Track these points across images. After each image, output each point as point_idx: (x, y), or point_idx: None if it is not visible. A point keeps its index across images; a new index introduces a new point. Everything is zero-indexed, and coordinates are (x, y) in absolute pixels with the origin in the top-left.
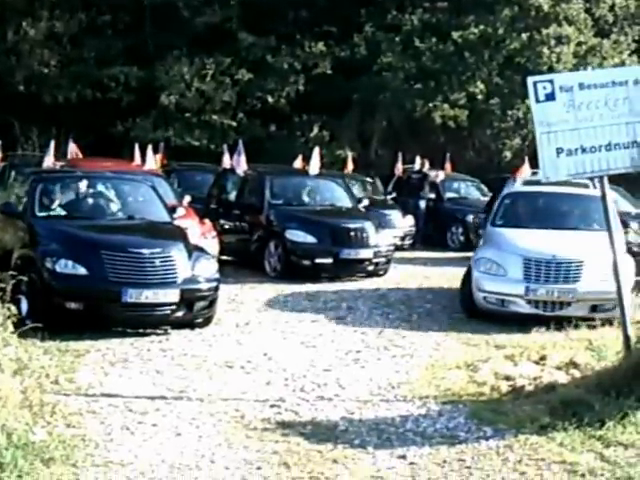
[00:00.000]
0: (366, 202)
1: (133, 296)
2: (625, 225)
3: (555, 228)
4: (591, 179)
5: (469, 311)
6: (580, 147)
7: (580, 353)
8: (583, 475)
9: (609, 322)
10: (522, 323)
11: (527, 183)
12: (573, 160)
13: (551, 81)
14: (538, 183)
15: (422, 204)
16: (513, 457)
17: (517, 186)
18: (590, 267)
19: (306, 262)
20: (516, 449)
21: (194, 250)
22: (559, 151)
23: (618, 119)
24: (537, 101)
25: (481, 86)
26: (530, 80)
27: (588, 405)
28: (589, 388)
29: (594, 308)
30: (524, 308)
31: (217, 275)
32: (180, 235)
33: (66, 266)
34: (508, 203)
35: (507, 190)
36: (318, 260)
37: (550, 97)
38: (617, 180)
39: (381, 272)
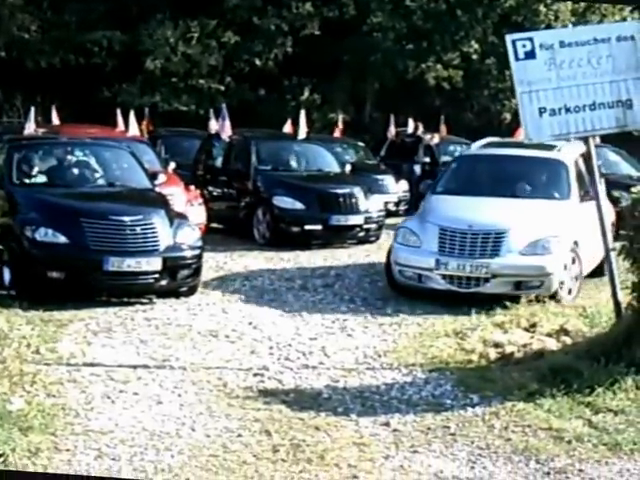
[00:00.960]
0: (348, 167)
1: (115, 264)
2: (586, 193)
3: (499, 195)
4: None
5: (391, 285)
6: (564, 107)
7: (572, 320)
8: (569, 442)
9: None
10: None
11: (488, 145)
12: (557, 120)
13: (531, 39)
14: (500, 145)
15: (417, 168)
16: (499, 424)
17: (473, 148)
18: (514, 239)
19: (295, 229)
20: (502, 416)
21: (176, 217)
22: (542, 111)
23: (602, 78)
24: (516, 59)
25: (476, 46)
26: (508, 38)
27: (577, 372)
28: (579, 355)
29: (518, 285)
30: (440, 284)
31: (200, 243)
32: (161, 202)
33: (46, 234)
34: (455, 168)
35: (458, 154)
36: (307, 227)
37: (530, 55)
38: (619, 142)
39: (372, 239)
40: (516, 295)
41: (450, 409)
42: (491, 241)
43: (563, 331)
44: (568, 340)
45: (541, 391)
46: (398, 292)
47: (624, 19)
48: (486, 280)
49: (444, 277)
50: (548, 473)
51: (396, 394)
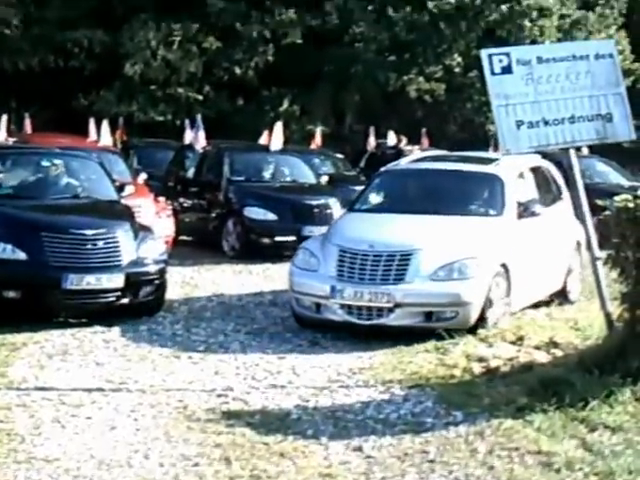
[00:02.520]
0: (325, 178)
1: (74, 282)
2: (526, 209)
3: (417, 212)
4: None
5: (294, 316)
6: (542, 119)
7: (562, 332)
8: (558, 470)
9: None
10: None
11: (422, 159)
12: (535, 132)
13: (507, 54)
14: (434, 159)
15: None
16: (483, 447)
17: (402, 163)
18: (425, 262)
19: (266, 240)
20: (487, 436)
21: (140, 230)
22: (519, 123)
23: (581, 92)
24: (492, 74)
25: (459, 59)
26: (484, 53)
27: (569, 384)
28: (570, 367)
29: (429, 316)
30: (337, 315)
31: (165, 256)
32: (126, 214)
33: (4, 250)
34: (377, 184)
35: (383, 168)
36: (279, 238)
37: (507, 70)
38: (610, 154)
39: None
40: (430, 328)
41: (431, 429)
42: (395, 264)
43: (553, 343)
44: (558, 352)
45: (531, 406)
46: (300, 324)
47: (610, 37)
48: (390, 310)
49: (342, 307)
50: None
51: (372, 413)
